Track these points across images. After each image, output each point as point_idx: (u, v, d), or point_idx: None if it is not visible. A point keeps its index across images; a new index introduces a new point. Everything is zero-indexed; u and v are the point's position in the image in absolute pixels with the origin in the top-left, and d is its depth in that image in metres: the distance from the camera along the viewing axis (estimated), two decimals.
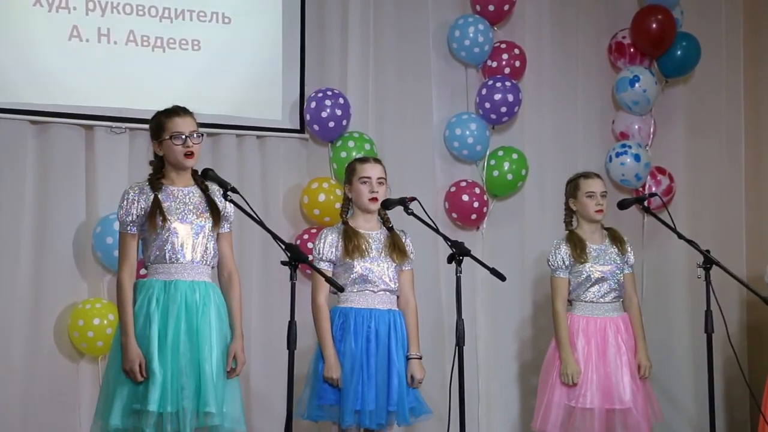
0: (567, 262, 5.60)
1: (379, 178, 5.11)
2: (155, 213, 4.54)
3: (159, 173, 4.68)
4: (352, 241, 5.02)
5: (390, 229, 5.19)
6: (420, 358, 5.09)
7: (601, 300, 5.59)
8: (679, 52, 7.87)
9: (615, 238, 5.73)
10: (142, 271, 4.68)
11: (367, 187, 5.08)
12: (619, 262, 5.64)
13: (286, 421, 4.28)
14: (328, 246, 5.04)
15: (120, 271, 4.58)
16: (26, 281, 6.34)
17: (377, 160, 5.23)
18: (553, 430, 5.54)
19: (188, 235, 4.58)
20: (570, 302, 5.63)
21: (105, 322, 6.21)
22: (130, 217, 4.58)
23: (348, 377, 4.91)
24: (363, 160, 5.21)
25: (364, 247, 5.03)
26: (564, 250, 5.60)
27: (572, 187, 5.73)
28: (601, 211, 5.63)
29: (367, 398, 4.91)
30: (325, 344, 4.96)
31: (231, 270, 4.75)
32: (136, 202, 4.58)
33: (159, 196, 4.59)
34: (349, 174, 5.17)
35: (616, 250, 5.66)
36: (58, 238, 6.44)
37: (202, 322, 4.53)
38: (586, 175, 5.74)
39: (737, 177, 8.28)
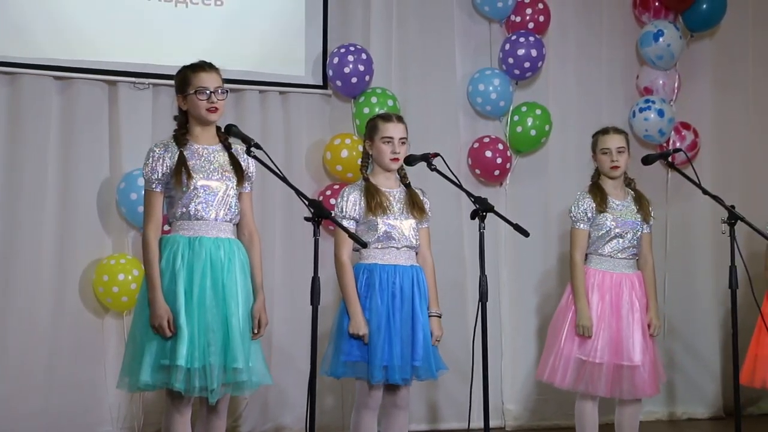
0: (589, 214, 5.57)
1: (401, 138, 5.06)
2: (181, 170, 4.52)
3: (183, 128, 4.66)
4: (374, 199, 5.00)
5: (408, 186, 5.17)
6: (440, 316, 5.09)
7: (618, 255, 5.57)
8: (704, 6, 7.79)
9: (638, 197, 5.70)
10: (166, 227, 4.67)
11: (389, 147, 5.04)
12: (639, 220, 5.61)
13: (309, 378, 4.28)
14: (350, 204, 5.02)
15: (146, 228, 4.57)
16: (51, 237, 6.40)
17: (400, 119, 5.17)
18: (561, 382, 5.54)
19: (213, 192, 4.56)
20: (587, 256, 5.62)
21: (129, 277, 6.28)
22: (155, 175, 4.55)
23: (375, 333, 4.90)
24: (386, 118, 5.14)
25: (386, 204, 5.00)
26: (587, 202, 5.57)
27: (593, 142, 5.71)
28: (616, 167, 5.58)
29: (394, 354, 4.90)
30: (350, 301, 4.95)
31: (252, 230, 4.73)
32: (161, 160, 4.55)
33: (184, 153, 4.57)
34: (371, 131, 5.12)
35: (638, 208, 5.63)
36: (82, 193, 6.49)
37: (228, 279, 4.52)
38: (604, 131, 5.69)
39: (763, 132, 8.22)
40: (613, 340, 5.48)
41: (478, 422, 4.70)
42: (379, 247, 5.00)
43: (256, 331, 4.60)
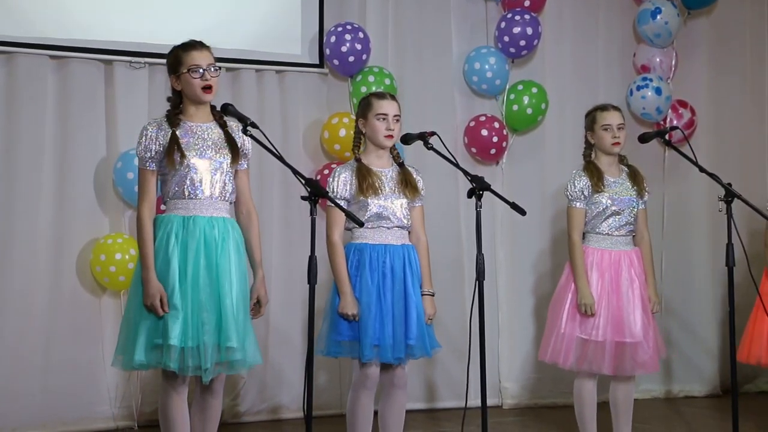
0: (585, 193, 5.56)
1: (395, 116, 5.04)
2: (173, 149, 4.51)
3: (177, 108, 4.64)
4: (366, 180, 4.98)
5: (401, 165, 5.15)
6: (432, 295, 5.09)
7: (616, 233, 5.56)
8: None
9: (633, 173, 5.69)
10: (162, 207, 4.66)
11: (383, 124, 5.01)
12: (634, 196, 5.61)
13: (306, 357, 4.29)
14: (342, 184, 5.00)
15: (140, 207, 4.56)
16: (48, 217, 6.39)
17: (393, 97, 5.15)
18: (565, 363, 5.54)
19: (207, 170, 4.55)
20: (585, 234, 5.61)
21: (126, 257, 6.29)
22: (148, 154, 4.54)
23: (366, 313, 4.90)
24: (380, 95, 5.13)
25: (377, 184, 4.98)
26: (583, 181, 5.56)
27: (590, 119, 5.69)
28: (617, 143, 5.58)
29: (386, 333, 4.91)
30: (341, 281, 4.95)
31: (249, 208, 4.73)
32: (154, 139, 4.54)
33: (177, 132, 4.55)
34: (365, 108, 5.10)
35: (633, 185, 5.63)
36: (78, 173, 6.48)
37: (222, 258, 4.51)
38: (603, 108, 5.68)
39: (760, 110, 8.24)
40: (614, 318, 5.48)
41: (475, 401, 4.69)
42: (370, 227, 4.98)
43: (255, 311, 4.62)
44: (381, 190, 4.99)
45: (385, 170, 5.07)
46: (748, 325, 6.24)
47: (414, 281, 5.01)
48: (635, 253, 5.61)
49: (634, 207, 5.59)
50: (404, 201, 5.05)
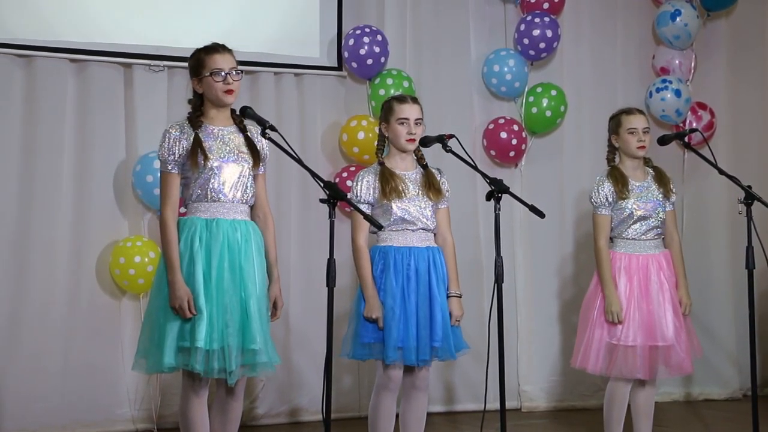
0: (610, 199, 5.55)
1: (416, 119, 5.06)
2: (196, 152, 4.53)
3: (198, 111, 4.66)
4: (389, 183, 5.00)
5: (425, 167, 5.17)
6: (460, 296, 5.09)
7: (643, 237, 5.54)
8: None
9: (658, 175, 5.68)
10: (182, 210, 4.67)
11: (405, 128, 5.04)
12: (661, 199, 5.59)
13: (326, 359, 4.30)
14: (365, 188, 5.03)
15: (163, 210, 4.58)
16: (67, 219, 6.43)
17: (415, 100, 5.16)
18: (594, 368, 5.53)
19: (229, 174, 4.56)
20: (612, 239, 5.60)
21: (146, 259, 6.31)
22: (172, 157, 4.56)
23: (390, 315, 4.92)
24: (401, 99, 5.14)
25: (401, 188, 5.00)
26: (607, 187, 5.55)
27: (614, 123, 5.67)
28: (643, 147, 5.57)
29: (410, 335, 4.92)
30: (365, 284, 4.97)
31: (266, 212, 4.75)
32: (177, 141, 4.56)
33: (199, 134, 4.58)
34: (387, 112, 5.12)
35: (659, 187, 5.62)
36: (98, 176, 6.51)
37: (245, 261, 4.53)
38: (629, 111, 5.67)
39: None
40: (645, 322, 5.46)
41: (494, 404, 4.71)
42: (395, 229, 5.01)
43: (272, 314, 4.64)
44: (405, 193, 5.01)
45: (408, 173, 5.09)
46: None
47: (439, 284, 5.02)
48: (664, 256, 5.59)
49: (661, 210, 5.58)
50: (429, 203, 5.06)
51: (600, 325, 5.50)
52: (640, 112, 5.68)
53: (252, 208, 4.72)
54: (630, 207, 5.51)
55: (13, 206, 6.32)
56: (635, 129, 5.57)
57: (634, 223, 5.53)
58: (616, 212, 5.54)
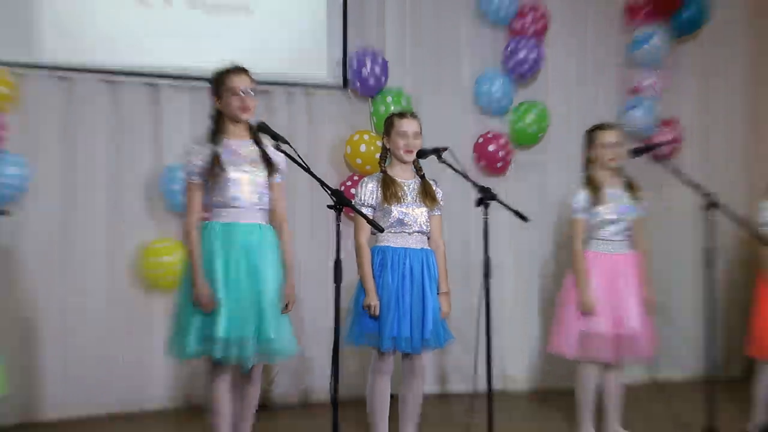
0: (585, 205, 5.59)
1: (415, 133, 5.10)
2: (214, 164, 4.57)
3: (217, 127, 4.70)
4: (389, 189, 5.04)
5: (422, 178, 5.20)
6: (447, 293, 5.13)
7: (614, 238, 5.60)
8: (688, 13, 7.84)
9: (629, 184, 5.72)
10: (205, 214, 4.71)
11: (403, 141, 5.08)
12: (631, 205, 5.64)
13: (333, 347, 4.31)
14: (368, 193, 5.07)
15: (188, 217, 4.62)
16: (103, 225, 6.50)
17: (414, 116, 5.20)
18: (569, 352, 5.60)
19: (245, 183, 4.60)
20: (587, 240, 5.65)
21: (173, 258, 6.36)
22: (194, 169, 4.60)
23: (385, 308, 4.96)
24: (401, 115, 5.19)
25: (400, 194, 5.05)
26: (583, 194, 5.58)
27: (590, 137, 5.69)
28: (614, 159, 5.62)
29: (403, 327, 4.96)
30: (365, 277, 5.00)
31: (282, 219, 4.76)
32: (198, 155, 4.61)
33: (218, 149, 4.62)
34: (388, 127, 5.16)
35: (629, 194, 5.66)
36: (129, 185, 6.56)
37: (260, 260, 4.57)
38: (602, 127, 5.72)
39: (743, 126, 8.24)
40: (613, 313, 5.51)
41: (482, 386, 4.74)
42: (393, 231, 5.04)
43: (284, 309, 4.65)
44: (403, 198, 5.05)
45: (408, 181, 5.13)
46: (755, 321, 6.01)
47: (431, 283, 5.06)
48: (632, 256, 5.63)
49: (631, 214, 5.63)
50: (425, 209, 5.10)
51: (575, 316, 5.55)
52: (613, 127, 5.72)
53: (270, 213, 4.72)
54: (603, 212, 5.56)
55: (56, 213, 6.37)
56: (608, 143, 5.63)
57: (607, 226, 5.58)
58: (591, 216, 5.59)
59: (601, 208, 5.57)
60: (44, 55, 6.34)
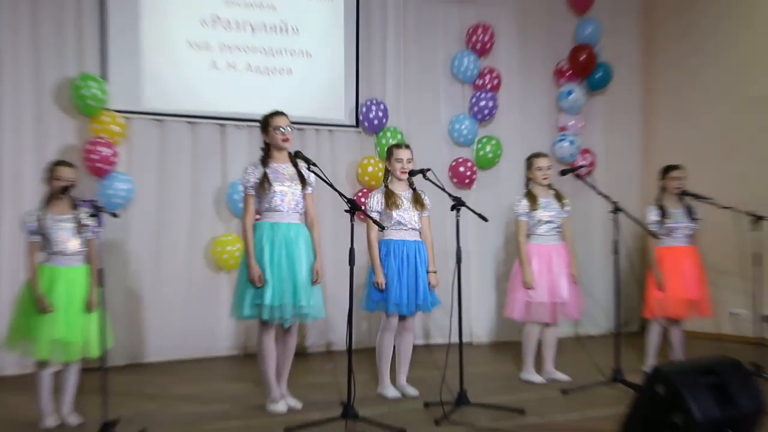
0: (526, 210, 5.55)
1: (408, 159, 5.06)
2: (264, 180, 4.55)
3: (266, 154, 4.67)
4: (390, 198, 5.00)
5: (414, 190, 5.15)
6: (435, 272, 5.09)
7: (548, 234, 5.54)
8: (599, 74, 7.80)
9: (558, 195, 5.68)
10: (257, 216, 4.68)
11: (400, 164, 5.05)
12: (560, 209, 5.60)
13: (348, 311, 4.30)
14: (375, 201, 5.02)
15: (245, 219, 4.59)
16: (185, 224, 6.46)
17: (407, 146, 5.15)
18: (519, 316, 5.55)
19: (286, 193, 4.56)
20: (528, 236, 5.60)
21: (234, 248, 6.33)
22: (249, 184, 4.58)
23: (390, 284, 4.93)
24: (398, 146, 5.14)
25: (398, 202, 5.00)
26: (524, 203, 5.55)
27: (529, 162, 5.65)
28: (546, 178, 5.57)
29: (402, 296, 4.94)
30: (375, 262, 4.97)
31: (313, 218, 4.72)
32: (253, 174, 4.58)
33: (267, 170, 4.59)
34: (389, 154, 5.11)
35: (558, 202, 5.62)
36: (204, 196, 6.52)
37: (296, 249, 4.54)
38: (537, 155, 5.67)
39: (636, 155, 8.20)
40: (549, 287, 5.44)
41: (455, 339, 4.71)
42: (394, 229, 4.99)
43: (315, 280, 4.60)
44: (401, 205, 5.00)
45: (403, 193, 5.08)
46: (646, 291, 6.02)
47: (422, 265, 5.01)
48: (562, 246, 5.56)
49: (560, 216, 5.58)
50: (417, 212, 5.05)
51: (521, 289, 5.49)
52: (545, 155, 5.67)
53: (305, 215, 4.68)
54: (539, 215, 5.51)
55: (152, 216, 6.34)
56: (541, 167, 5.58)
57: (542, 225, 5.53)
58: (531, 218, 5.55)
59: (537, 212, 5.52)
60: (145, 103, 6.30)
